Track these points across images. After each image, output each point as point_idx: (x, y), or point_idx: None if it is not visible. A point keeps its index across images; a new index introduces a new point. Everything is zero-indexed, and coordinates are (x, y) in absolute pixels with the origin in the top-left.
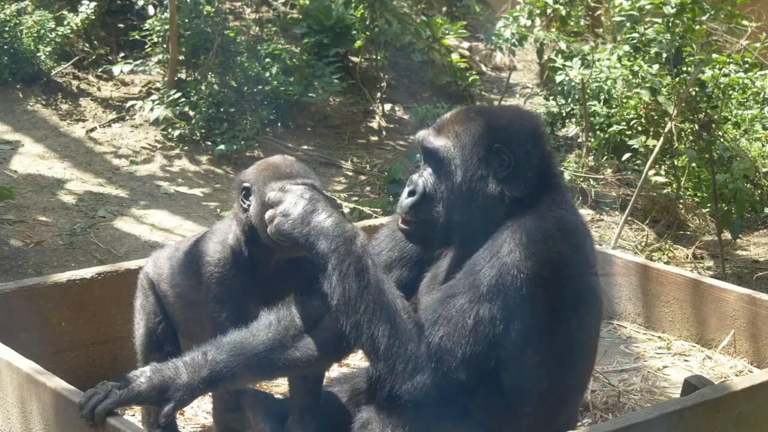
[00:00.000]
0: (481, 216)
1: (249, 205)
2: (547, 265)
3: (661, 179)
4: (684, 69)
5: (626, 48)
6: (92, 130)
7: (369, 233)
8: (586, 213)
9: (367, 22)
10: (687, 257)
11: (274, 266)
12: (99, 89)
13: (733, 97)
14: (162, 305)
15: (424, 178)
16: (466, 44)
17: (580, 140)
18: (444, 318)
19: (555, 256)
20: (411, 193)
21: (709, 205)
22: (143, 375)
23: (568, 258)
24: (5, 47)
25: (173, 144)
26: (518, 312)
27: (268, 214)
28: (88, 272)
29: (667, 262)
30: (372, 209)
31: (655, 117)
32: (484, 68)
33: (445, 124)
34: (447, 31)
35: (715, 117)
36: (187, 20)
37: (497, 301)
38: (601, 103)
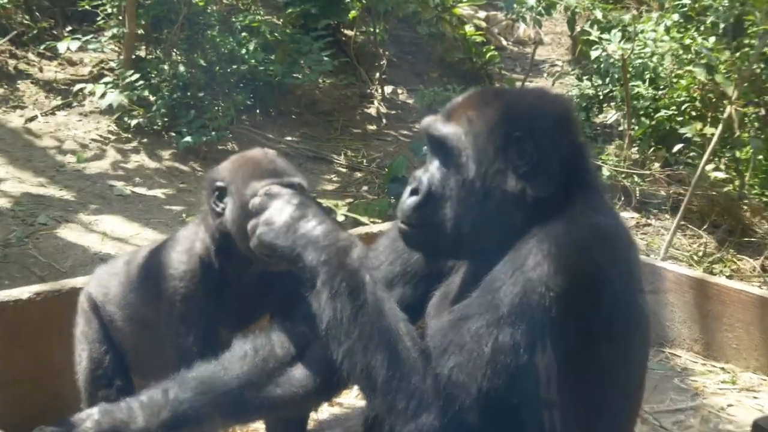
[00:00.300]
0: (499, 220)
1: (224, 209)
2: (581, 281)
3: (720, 175)
4: (746, 42)
5: (676, 17)
6: (32, 119)
7: (366, 243)
8: (629, 216)
9: None
10: (754, 270)
11: (249, 281)
12: (41, 70)
13: None
14: (108, 331)
15: (429, 173)
16: (482, 14)
17: (621, 128)
18: (456, 345)
19: (591, 270)
20: (414, 192)
21: None
22: (90, 419)
23: (606, 272)
24: None
25: (130, 135)
26: (546, 338)
27: (251, 224)
28: (24, 292)
29: (729, 276)
30: (370, 219)
31: (712, 100)
32: (504, 42)
33: (455, 109)
34: None
35: None
36: None
37: (520, 325)
38: (646, 84)
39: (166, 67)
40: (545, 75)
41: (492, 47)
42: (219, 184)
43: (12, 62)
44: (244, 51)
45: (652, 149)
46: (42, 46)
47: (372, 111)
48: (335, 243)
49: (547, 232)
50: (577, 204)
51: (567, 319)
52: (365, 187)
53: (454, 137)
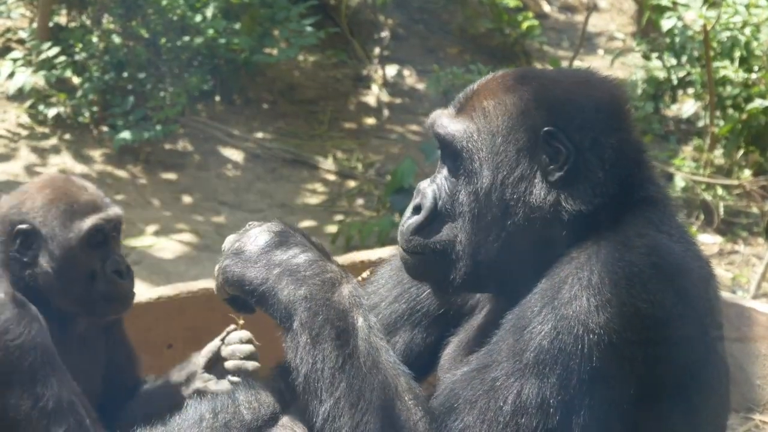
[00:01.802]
0: (524, 243)
1: (35, 258)
2: (630, 321)
3: None
4: None
5: None
6: None
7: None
8: (709, 241)
9: None
10: None
11: (91, 336)
12: None
13: None
14: None
15: (436, 184)
16: None
17: (701, 124)
18: (466, 401)
19: (645, 307)
20: (416, 210)
21: None
22: None
23: (668, 311)
24: None
25: (47, 130)
26: (583, 396)
27: (217, 267)
28: None
29: None
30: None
31: None
32: (547, 8)
33: (470, 98)
34: None
35: None
36: None
37: (550, 376)
38: (735, 65)
39: (94, 38)
40: (601, 52)
41: (530, 14)
42: (23, 227)
43: None
44: (199, 18)
45: (742, 152)
46: None
47: (370, 99)
48: (320, 274)
49: (588, 257)
50: (633, 222)
51: (611, 371)
52: (360, 201)
53: (464, 136)
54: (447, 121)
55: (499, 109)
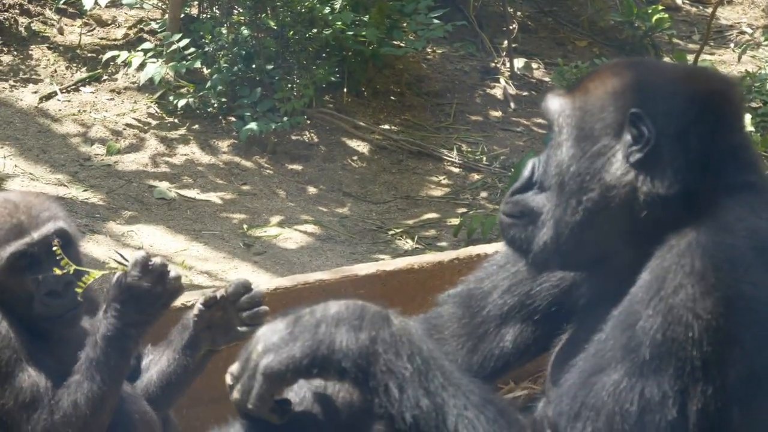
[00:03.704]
0: (606, 222)
1: None
2: (737, 304)
3: None
4: None
5: None
6: (49, 96)
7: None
8: None
9: None
10: None
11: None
12: (61, 32)
13: None
14: None
15: (539, 157)
16: None
17: None
18: (591, 408)
19: (750, 290)
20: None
21: None
22: None
23: None
24: None
25: (176, 120)
26: (698, 380)
27: (228, 378)
28: None
29: None
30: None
31: None
32: (678, 0)
33: (582, 80)
34: None
35: None
36: None
37: (668, 368)
38: None
39: (224, 30)
40: (732, 46)
41: (660, 7)
42: None
43: (23, 21)
44: (327, 10)
45: None
46: (62, 0)
47: (497, 92)
48: (364, 313)
49: (689, 243)
50: (732, 207)
51: (722, 354)
52: (484, 194)
53: (558, 110)
54: (552, 99)
55: (598, 89)
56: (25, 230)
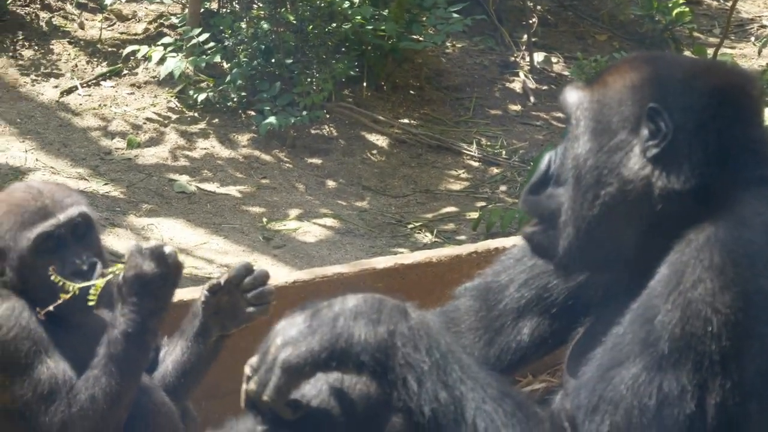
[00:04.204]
0: (625, 218)
1: (4, 270)
2: (756, 299)
3: None
4: None
5: None
6: (70, 91)
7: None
8: None
9: None
10: None
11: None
12: (81, 26)
13: None
14: None
15: (556, 150)
16: None
17: None
18: (609, 401)
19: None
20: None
21: None
22: None
23: None
24: None
25: (196, 114)
26: (716, 374)
27: (247, 370)
28: None
29: None
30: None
31: None
32: None
33: (601, 74)
34: None
35: None
36: None
37: (686, 363)
38: None
39: (244, 25)
40: (752, 39)
41: (681, 0)
42: None
43: (44, 15)
44: (347, 4)
45: None
46: None
47: (516, 86)
48: (382, 307)
49: (707, 237)
50: (750, 202)
51: (740, 348)
52: (503, 187)
53: (575, 103)
54: (570, 92)
55: (616, 83)
56: (50, 213)
